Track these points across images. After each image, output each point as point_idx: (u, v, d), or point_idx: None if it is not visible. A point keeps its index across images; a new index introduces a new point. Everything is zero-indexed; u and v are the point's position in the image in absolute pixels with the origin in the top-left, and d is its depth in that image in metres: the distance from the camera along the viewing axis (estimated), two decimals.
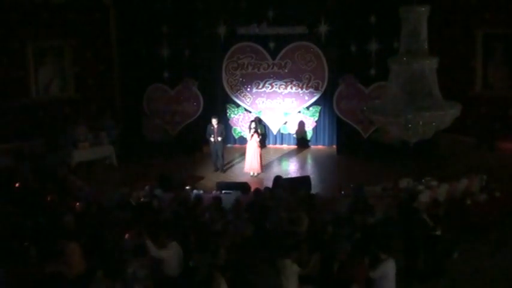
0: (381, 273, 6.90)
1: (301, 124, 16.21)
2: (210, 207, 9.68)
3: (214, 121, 13.99)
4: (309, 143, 16.31)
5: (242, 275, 6.79)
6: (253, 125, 13.93)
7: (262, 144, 15.87)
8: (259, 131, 14.16)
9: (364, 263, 7.01)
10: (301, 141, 16.29)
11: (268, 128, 16.35)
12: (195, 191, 11.60)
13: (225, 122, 15.65)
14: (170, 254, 7.28)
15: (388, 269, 6.94)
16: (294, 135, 16.36)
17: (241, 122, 16.32)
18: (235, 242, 7.88)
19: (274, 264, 6.92)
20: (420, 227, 8.39)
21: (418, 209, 8.92)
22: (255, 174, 13.75)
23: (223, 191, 11.68)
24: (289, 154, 15.82)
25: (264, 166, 14.06)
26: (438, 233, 8.31)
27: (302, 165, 14.98)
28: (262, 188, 11.14)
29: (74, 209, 9.27)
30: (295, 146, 16.30)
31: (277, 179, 11.26)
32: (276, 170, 14.04)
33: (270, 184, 11.79)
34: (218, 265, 6.77)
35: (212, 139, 13.89)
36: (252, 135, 13.78)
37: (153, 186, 11.57)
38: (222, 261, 6.94)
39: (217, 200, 9.76)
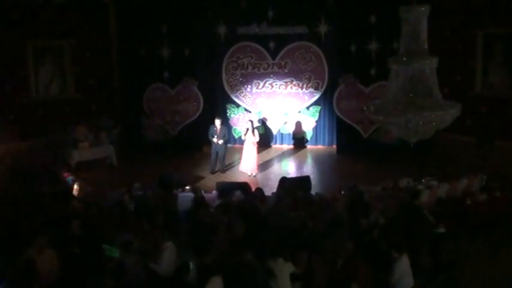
0: (399, 275, 6.85)
1: (299, 124, 16.21)
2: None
3: (217, 122, 13.88)
4: (306, 143, 16.30)
5: (234, 274, 6.75)
6: (248, 124, 13.91)
7: (267, 144, 15.90)
8: (255, 131, 14.08)
9: (365, 262, 6.97)
10: (300, 141, 16.29)
11: (269, 128, 16.36)
12: None
13: (225, 122, 15.61)
14: (166, 258, 7.18)
15: (404, 267, 6.89)
16: (292, 134, 16.35)
17: (241, 122, 16.31)
18: (228, 240, 7.83)
19: (267, 264, 6.86)
20: (423, 225, 8.38)
21: (420, 207, 8.92)
22: (253, 174, 13.66)
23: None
24: (289, 154, 15.82)
25: (259, 166, 13.94)
26: (441, 230, 8.30)
27: (302, 165, 14.96)
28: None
29: (72, 210, 9.25)
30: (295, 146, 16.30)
31: (283, 180, 11.20)
32: (275, 170, 14.04)
33: (269, 184, 11.76)
34: (206, 265, 6.71)
35: (215, 140, 13.85)
36: (245, 134, 13.77)
37: (148, 184, 11.53)
38: (210, 261, 6.90)
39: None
